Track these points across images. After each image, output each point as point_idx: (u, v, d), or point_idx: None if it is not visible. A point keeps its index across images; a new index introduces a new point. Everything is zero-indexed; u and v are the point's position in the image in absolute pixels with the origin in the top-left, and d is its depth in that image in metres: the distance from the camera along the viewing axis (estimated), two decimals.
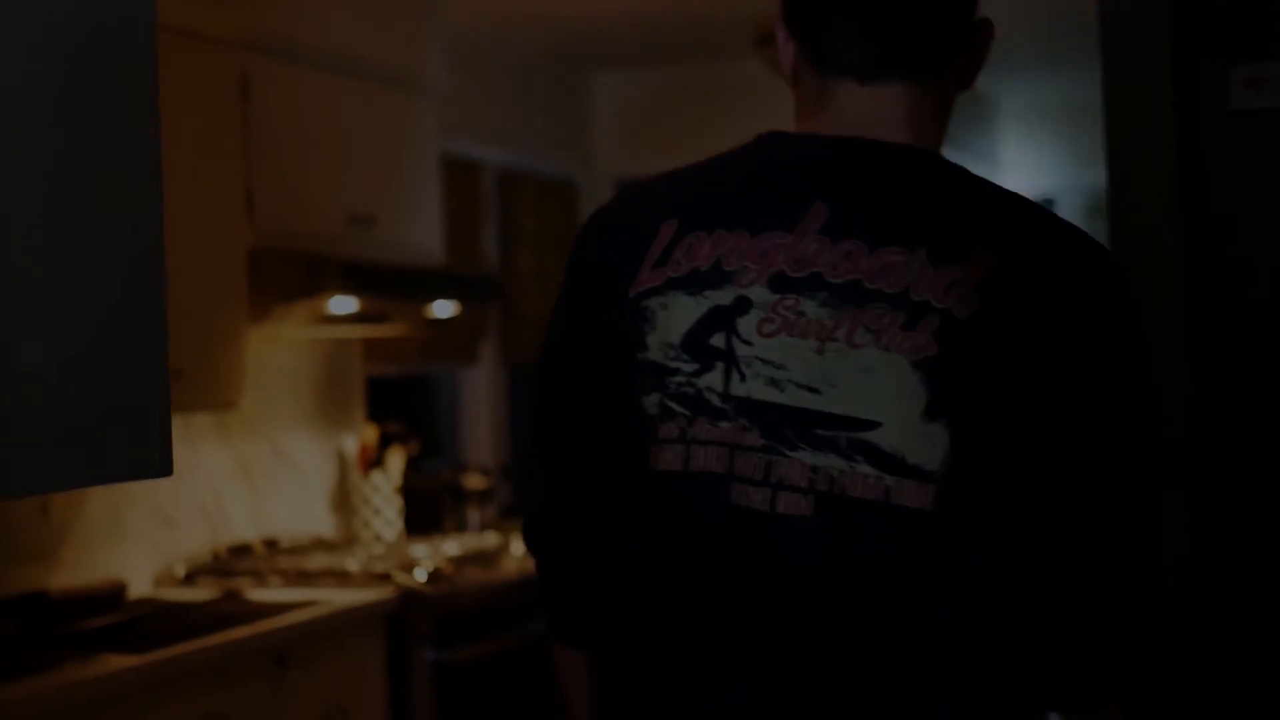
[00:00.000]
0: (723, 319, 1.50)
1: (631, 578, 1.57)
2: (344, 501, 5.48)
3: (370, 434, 5.46)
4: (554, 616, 1.74)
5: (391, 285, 4.82)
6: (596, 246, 1.62)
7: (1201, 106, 1.54)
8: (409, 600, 4.48)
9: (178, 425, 4.74)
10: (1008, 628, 1.49)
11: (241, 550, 4.89)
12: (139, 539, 4.59)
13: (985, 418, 1.46)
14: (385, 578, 4.55)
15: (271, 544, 5.01)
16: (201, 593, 4.48)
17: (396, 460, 5.45)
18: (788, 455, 1.47)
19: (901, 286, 1.48)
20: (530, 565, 5.06)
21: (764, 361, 1.48)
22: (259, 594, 4.47)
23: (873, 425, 1.45)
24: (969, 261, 1.48)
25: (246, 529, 5.01)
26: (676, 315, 1.51)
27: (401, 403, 6.11)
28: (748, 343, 1.49)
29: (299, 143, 4.73)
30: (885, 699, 1.47)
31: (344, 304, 4.68)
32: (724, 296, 1.50)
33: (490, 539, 5.30)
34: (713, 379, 1.50)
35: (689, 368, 1.50)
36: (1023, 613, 1.50)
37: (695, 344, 1.50)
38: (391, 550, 5.08)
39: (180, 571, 4.66)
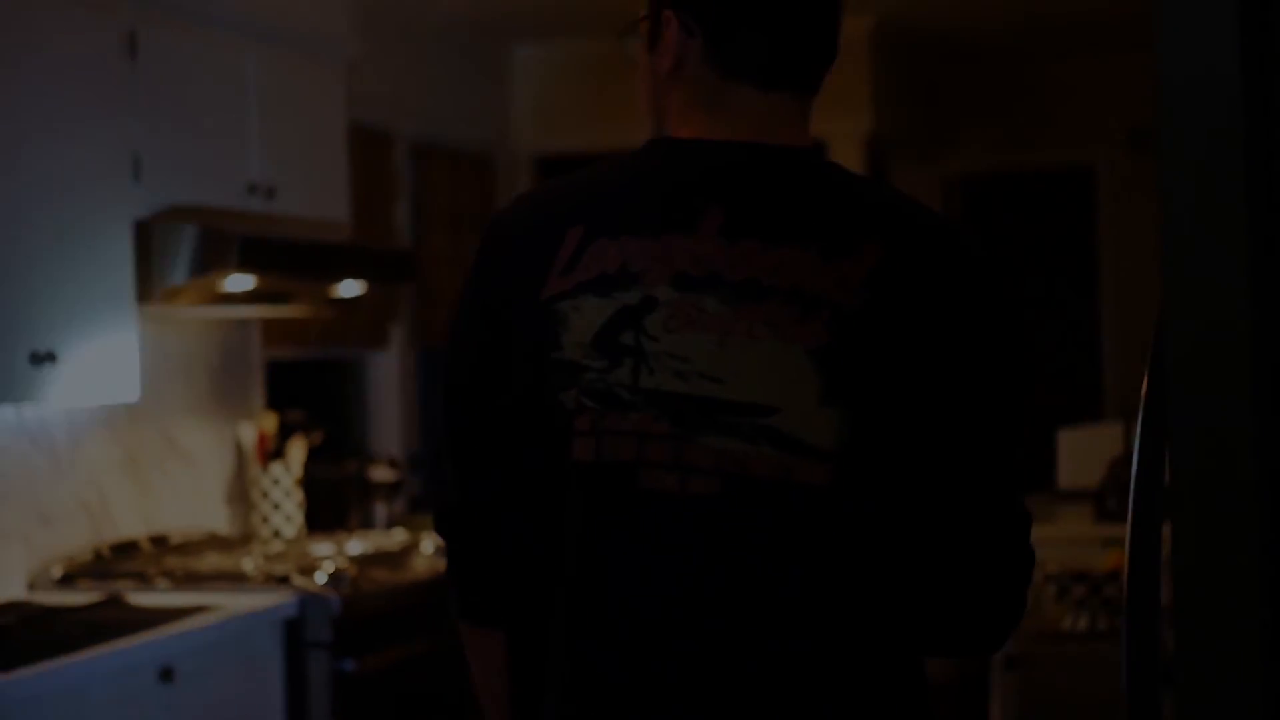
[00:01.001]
0: (630, 318, 1.61)
1: (550, 559, 1.68)
2: (241, 495, 5.10)
3: (269, 422, 5.08)
4: (466, 598, 1.79)
5: (293, 262, 4.44)
6: (501, 252, 1.70)
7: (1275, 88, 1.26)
8: (308, 605, 4.11)
9: (57, 415, 4.37)
10: (895, 584, 1.66)
11: (127, 548, 4.50)
12: (11, 537, 4.19)
13: (877, 400, 1.61)
14: (283, 580, 4.18)
15: (160, 541, 4.63)
16: (79, 597, 4.09)
17: (297, 451, 5.08)
18: (696, 441, 1.60)
19: (795, 282, 1.61)
20: (441, 566, 4.73)
21: (670, 355, 1.60)
22: (143, 598, 4.09)
23: (772, 411, 1.59)
24: (855, 256, 1.62)
25: (133, 525, 4.63)
26: (588, 316, 1.62)
27: (305, 389, 5.74)
28: (654, 339, 1.61)
29: (192, 106, 4.34)
30: (788, 656, 1.63)
31: (241, 282, 4.30)
32: (631, 297, 1.61)
33: (398, 536, 4.94)
34: (621, 374, 1.61)
35: (599, 364, 1.61)
36: (911, 571, 1.67)
37: (605, 342, 1.61)
38: (291, 548, 4.71)
39: (57, 573, 4.27)
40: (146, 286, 4.14)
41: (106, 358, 3.97)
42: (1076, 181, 8.01)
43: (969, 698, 5.12)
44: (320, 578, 4.18)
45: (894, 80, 7.23)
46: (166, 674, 3.64)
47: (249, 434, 5.09)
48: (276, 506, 5.01)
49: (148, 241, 4.12)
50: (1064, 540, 4.56)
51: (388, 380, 6.13)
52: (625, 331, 1.61)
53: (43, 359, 3.75)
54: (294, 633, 4.11)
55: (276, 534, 4.98)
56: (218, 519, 4.99)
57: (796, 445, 1.60)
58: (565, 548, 1.67)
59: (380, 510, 5.37)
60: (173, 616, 3.82)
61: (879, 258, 1.62)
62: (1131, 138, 7.76)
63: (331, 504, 5.25)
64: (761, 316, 1.60)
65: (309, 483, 5.16)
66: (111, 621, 3.74)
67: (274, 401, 5.31)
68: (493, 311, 1.69)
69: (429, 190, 6.34)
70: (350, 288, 4.81)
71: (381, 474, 5.34)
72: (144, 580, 4.25)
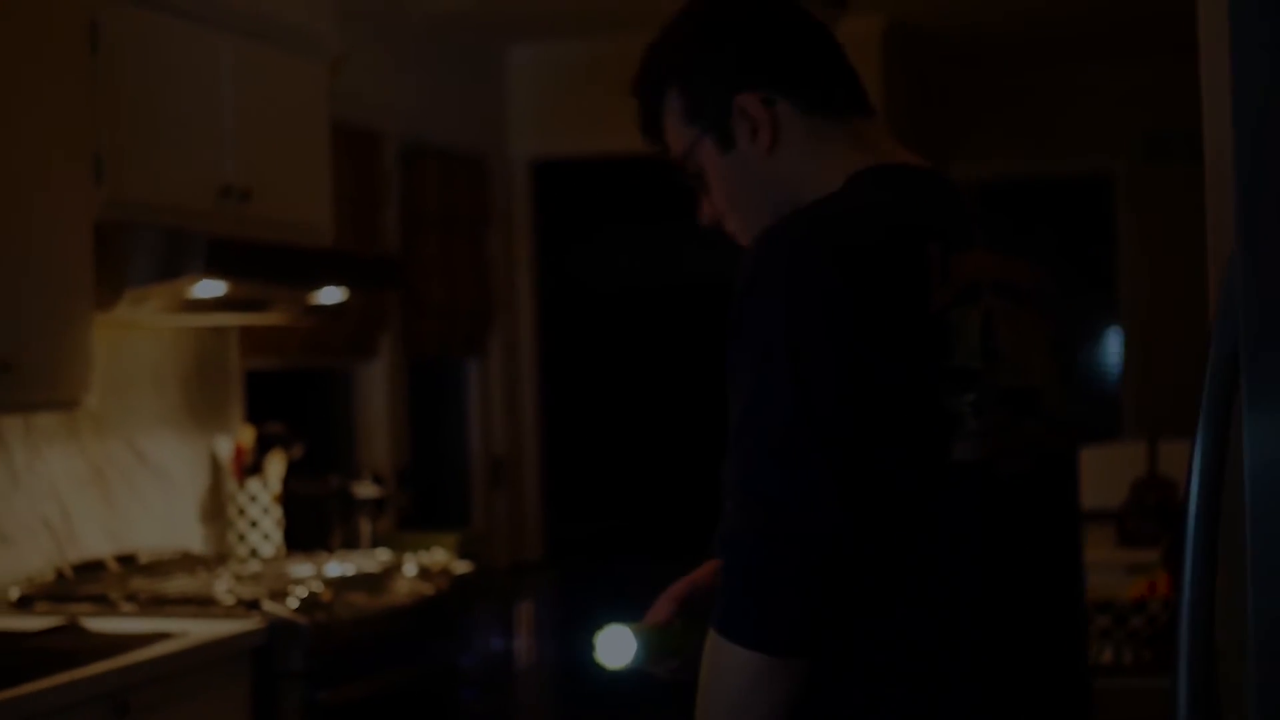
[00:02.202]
0: (988, 324, 1.76)
1: (898, 569, 1.73)
2: (217, 513, 4.86)
3: (246, 436, 4.83)
4: (799, 626, 1.68)
5: (267, 268, 4.20)
6: (873, 272, 1.71)
7: None
8: (279, 632, 3.86)
9: (15, 426, 4.13)
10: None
11: (91, 568, 4.25)
12: None
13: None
14: (253, 605, 3.92)
15: (128, 560, 4.38)
16: (34, 621, 3.84)
17: (276, 465, 4.83)
18: (1022, 426, 1.79)
19: (1030, 283, 1.85)
20: (424, 590, 4.49)
21: (1007, 353, 1.77)
22: (103, 624, 3.84)
23: (1040, 391, 1.81)
24: (1026, 258, 1.90)
25: (99, 544, 4.38)
26: (971, 324, 1.74)
27: (287, 401, 5.49)
28: (998, 339, 1.77)
29: (159, 102, 4.10)
30: (1082, 622, 1.95)
31: (210, 288, 4.06)
32: (984, 304, 1.76)
33: (381, 556, 4.68)
34: (994, 375, 1.75)
35: (985, 366, 1.75)
36: None
37: (985, 347, 1.75)
38: (268, 568, 4.46)
39: (14, 594, 4.02)
40: (108, 292, 3.90)
41: (63, 366, 3.72)
42: (1094, 190, 7.76)
43: None
44: (292, 603, 3.93)
45: (905, 82, 6.99)
46: (121, 708, 3.39)
47: (225, 448, 4.84)
48: (254, 524, 4.76)
49: (109, 245, 3.88)
50: (1085, 567, 4.30)
51: (376, 392, 5.88)
52: (989, 336, 1.75)
53: None
54: (263, 662, 3.85)
55: (254, 553, 4.73)
56: (192, 537, 4.75)
57: (1054, 421, 1.83)
58: (928, 549, 1.74)
59: (365, 528, 5.12)
60: (132, 644, 3.57)
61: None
62: (1148, 145, 7.52)
63: (313, 522, 5.00)
64: (1026, 314, 1.82)
65: (289, 499, 4.91)
66: (65, 650, 3.50)
67: (254, 414, 5.07)
68: (876, 330, 1.70)
69: (420, 194, 6.09)
70: (330, 294, 4.57)
71: (365, 490, 5.09)
72: (106, 604, 4.00)
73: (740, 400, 1.71)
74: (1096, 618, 4.16)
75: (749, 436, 1.69)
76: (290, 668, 3.85)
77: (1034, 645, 1.81)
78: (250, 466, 4.81)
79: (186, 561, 4.53)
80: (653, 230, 7.17)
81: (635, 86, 1.95)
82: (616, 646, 1.89)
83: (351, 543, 5.06)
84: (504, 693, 5.09)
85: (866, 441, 1.69)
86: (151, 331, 4.60)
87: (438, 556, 4.67)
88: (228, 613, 3.90)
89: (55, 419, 4.21)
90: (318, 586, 4.08)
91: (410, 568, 4.50)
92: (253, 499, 4.77)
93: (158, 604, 3.98)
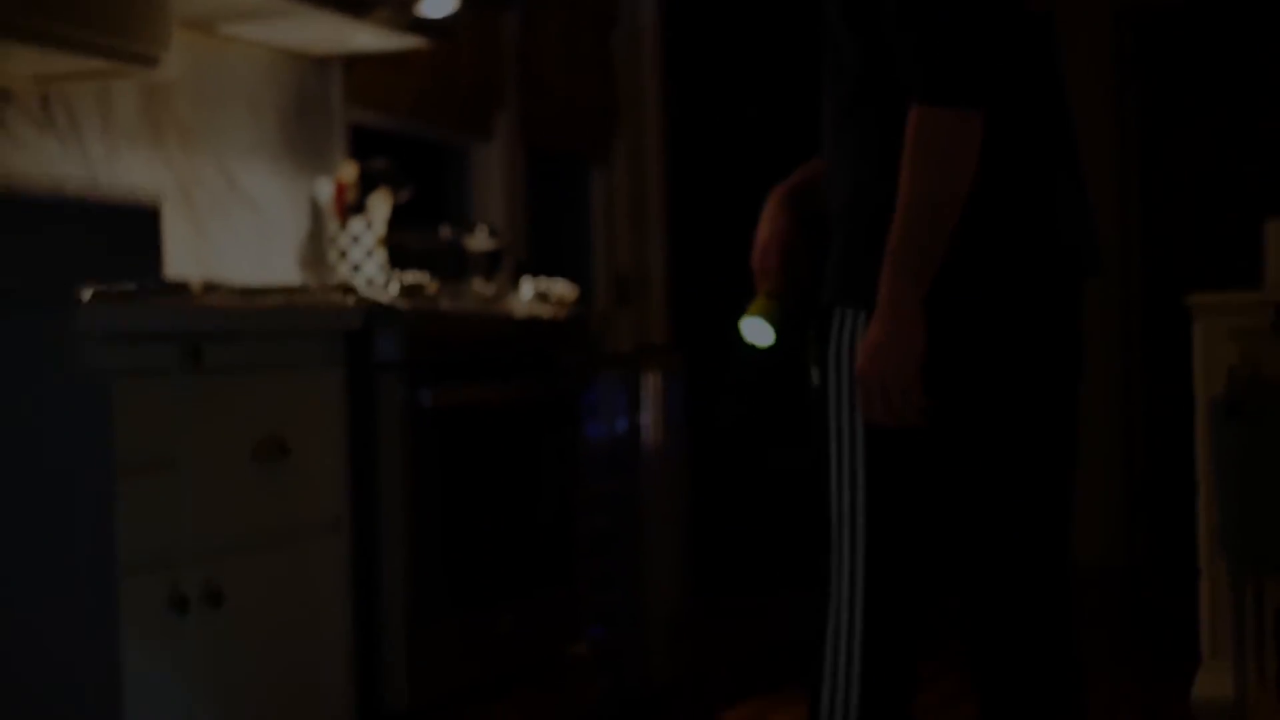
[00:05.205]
0: None
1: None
2: (317, 259, 4.44)
3: (349, 172, 4.41)
4: (967, 78, 2.14)
5: None
6: None
7: None
8: (376, 317, 3.42)
9: (90, 114, 3.74)
10: None
11: (175, 288, 3.84)
12: None
13: None
14: (348, 291, 3.49)
15: (215, 288, 3.96)
16: None
17: (381, 205, 4.40)
18: None
19: None
20: (542, 311, 4.07)
21: None
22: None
23: None
24: None
25: (185, 267, 3.98)
26: None
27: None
28: None
29: None
30: None
31: None
32: None
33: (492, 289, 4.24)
34: None
35: None
36: None
37: None
38: None
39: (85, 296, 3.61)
40: None
41: (135, 12, 3.31)
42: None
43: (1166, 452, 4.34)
44: (393, 289, 3.49)
45: None
46: (194, 353, 2.96)
47: (326, 191, 4.43)
48: (356, 269, 4.34)
49: None
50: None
51: (491, 176, 5.44)
52: None
53: None
54: (360, 350, 3.42)
55: None
56: (288, 278, 4.34)
57: None
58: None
59: (478, 285, 4.68)
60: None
61: None
62: None
63: (422, 271, 4.57)
64: None
65: (397, 248, 4.48)
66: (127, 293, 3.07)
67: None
68: None
69: None
70: (437, 6, 4.14)
71: (480, 242, 4.65)
72: (183, 292, 3.59)
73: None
74: None
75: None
76: (389, 357, 3.41)
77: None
78: (353, 205, 4.39)
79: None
80: (790, 52, 6.69)
81: None
82: (757, 331, 2.47)
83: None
84: (631, 472, 4.64)
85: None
86: (245, 50, 4.19)
87: (559, 288, 4.21)
88: (322, 292, 3.47)
89: (136, 115, 3.81)
90: (421, 279, 3.63)
91: (528, 290, 4.05)
92: (355, 240, 4.34)
93: (245, 294, 3.56)
